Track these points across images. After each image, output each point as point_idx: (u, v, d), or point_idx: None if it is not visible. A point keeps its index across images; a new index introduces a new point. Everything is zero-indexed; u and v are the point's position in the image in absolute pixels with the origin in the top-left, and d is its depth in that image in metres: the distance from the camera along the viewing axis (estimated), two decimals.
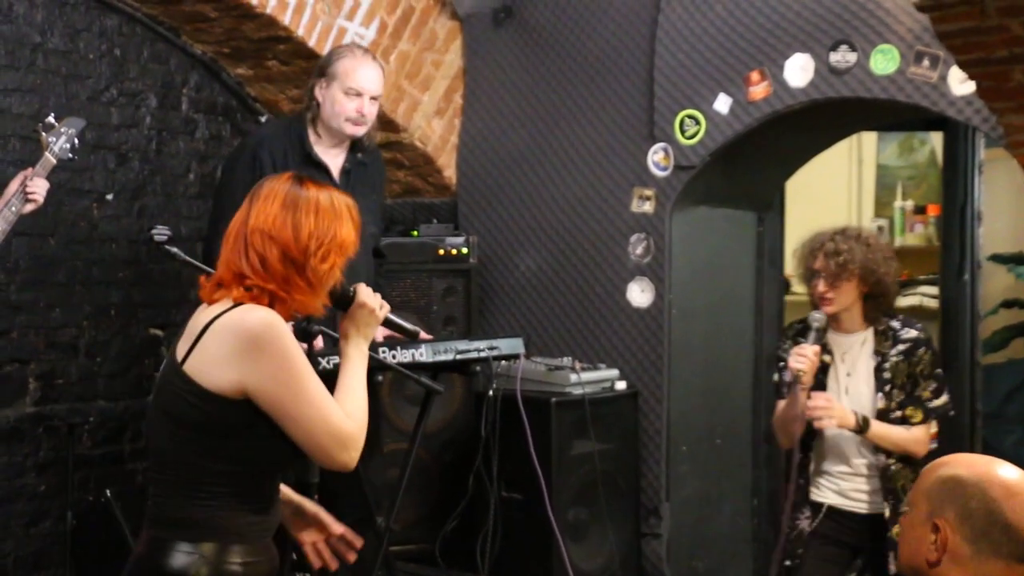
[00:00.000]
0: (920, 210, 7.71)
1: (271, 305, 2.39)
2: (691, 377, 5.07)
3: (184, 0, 4.64)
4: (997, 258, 6.58)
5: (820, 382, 3.71)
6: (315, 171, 4.10)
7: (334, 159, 4.20)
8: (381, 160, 4.55)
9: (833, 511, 3.73)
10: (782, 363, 3.74)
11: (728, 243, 5.27)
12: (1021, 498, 2.00)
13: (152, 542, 2.40)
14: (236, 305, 2.38)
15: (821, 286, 3.64)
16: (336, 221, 2.46)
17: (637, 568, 4.90)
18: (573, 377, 4.67)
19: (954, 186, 5.65)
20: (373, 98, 4.19)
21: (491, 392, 4.56)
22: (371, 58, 4.31)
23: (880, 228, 7.79)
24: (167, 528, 2.39)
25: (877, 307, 3.69)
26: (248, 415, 2.34)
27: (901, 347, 3.66)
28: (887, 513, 3.63)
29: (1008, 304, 6.72)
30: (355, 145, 4.24)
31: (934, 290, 7.14)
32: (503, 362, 4.57)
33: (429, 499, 4.88)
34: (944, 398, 3.69)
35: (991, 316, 6.48)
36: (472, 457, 4.61)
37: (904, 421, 3.65)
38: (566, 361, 4.86)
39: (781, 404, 3.73)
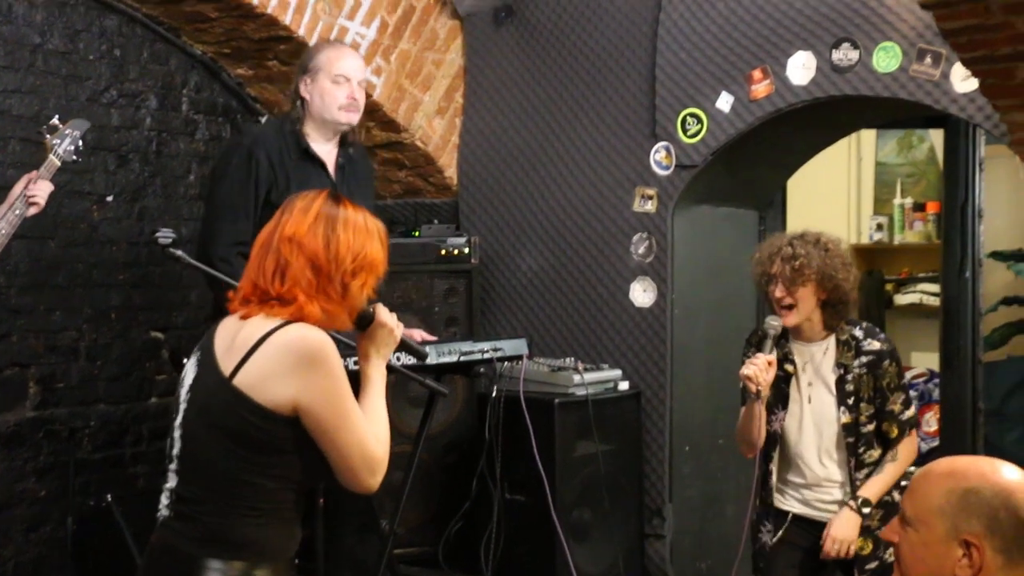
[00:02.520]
0: (919, 207, 7.73)
1: (304, 320, 2.41)
2: (694, 377, 5.06)
3: (184, 0, 4.61)
4: (997, 255, 6.58)
5: (783, 392, 3.64)
6: (312, 166, 4.09)
7: (328, 155, 4.17)
8: (368, 159, 4.52)
9: (799, 519, 3.67)
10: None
11: (730, 242, 5.25)
12: None
13: (183, 559, 2.39)
14: (287, 323, 2.39)
15: (778, 291, 3.56)
16: (368, 239, 2.49)
17: (641, 569, 4.89)
18: (576, 378, 4.65)
19: (955, 183, 5.64)
20: (360, 83, 4.17)
21: (494, 393, 4.55)
22: (349, 47, 4.38)
23: (880, 225, 7.81)
24: (202, 545, 2.38)
25: (837, 314, 3.60)
26: (301, 432, 2.36)
27: (864, 359, 3.57)
28: None
29: (1008, 301, 6.74)
30: (344, 141, 4.22)
31: (934, 287, 7.16)
32: (506, 363, 4.56)
33: (432, 502, 4.86)
34: (912, 409, 3.63)
35: (991, 313, 6.48)
36: (475, 459, 4.61)
37: (878, 435, 3.59)
38: (569, 362, 4.85)
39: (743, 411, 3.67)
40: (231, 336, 2.43)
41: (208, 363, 2.44)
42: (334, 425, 2.36)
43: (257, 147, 4.04)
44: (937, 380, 6.52)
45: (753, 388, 3.49)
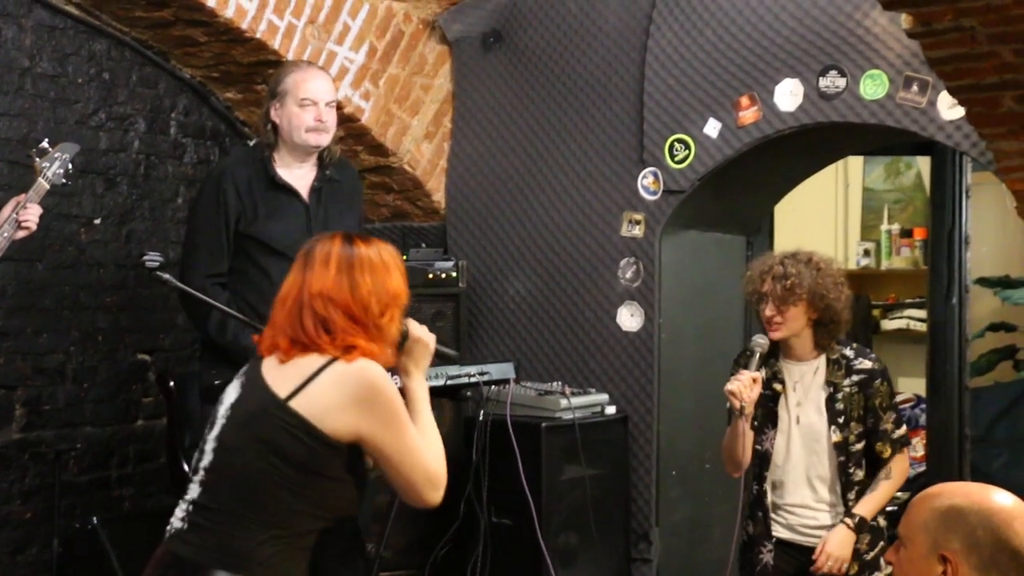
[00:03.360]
0: (906, 233, 7.75)
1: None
2: (681, 401, 5.07)
3: (174, 24, 4.62)
4: (983, 281, 6.60)
5: (771, 411, 3.64)
6: (281, 194, 4.09)
7: (301, 180, 4.16)
8: (355, 173, 4.48)
9: (782, 543, 3.67)
10: None
11: (717, 267, 5.27)
12: (1022, 521, 2.00)
13: (190, 569, 2.43)
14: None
15: (768, 309, 3.56)
16: (387, 275, 2.58)
17: None
18: (563, 402, 4.65)
19: (942, 210, 5.66)
20: (328, 104, 4.15)
21: (481, 417, 4.55)
22: (317, 68, 4.37)
23: (867, 251, 7.83)
24: (211, 556, 2.42)
25: (828, 334, 3.60)
26: (348, 461, 2.47)
27: (855, 378, 3.59)
28: None
29: (994, 327, 6.76)
30: (322, 161, 4.22)
31: (920, 313, 7.18)
32: (493, 387, 4.56)
33: (419, 525, 4.85)
34: (904, 428, 3.65)
35: (978, 339, 6.50)
36: (462, 482, 4.59)
37: (868, 454, 3.60)
38: (556, 386, 4.85)
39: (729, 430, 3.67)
40: (282, 364, 2.50)
41: (256, 384, 2.51)
42: (398, 451, 2.47)
43: (224, 179, 4.09)
44: (923, 406, 6.53)
45: (737, 404, 3.50)
